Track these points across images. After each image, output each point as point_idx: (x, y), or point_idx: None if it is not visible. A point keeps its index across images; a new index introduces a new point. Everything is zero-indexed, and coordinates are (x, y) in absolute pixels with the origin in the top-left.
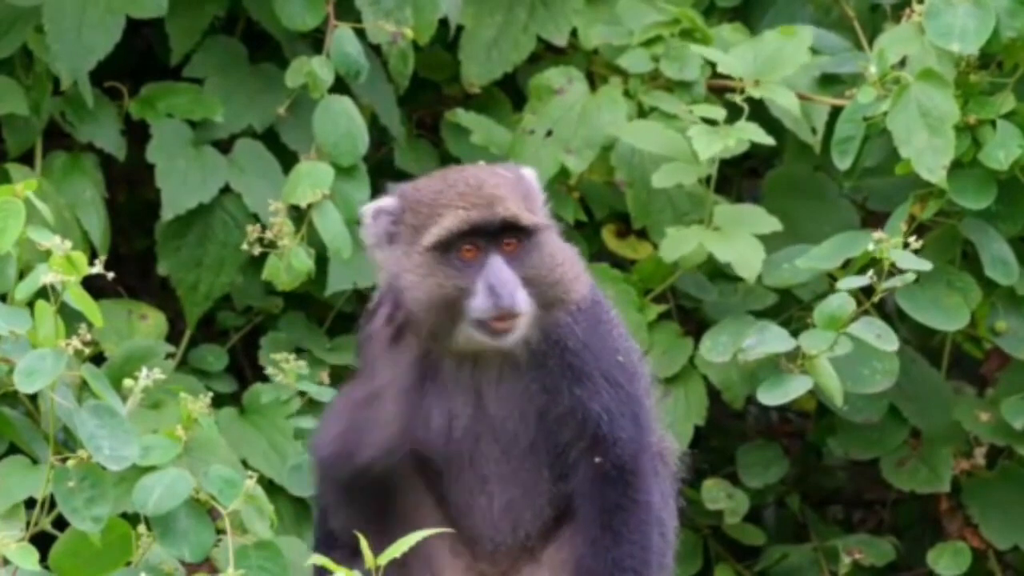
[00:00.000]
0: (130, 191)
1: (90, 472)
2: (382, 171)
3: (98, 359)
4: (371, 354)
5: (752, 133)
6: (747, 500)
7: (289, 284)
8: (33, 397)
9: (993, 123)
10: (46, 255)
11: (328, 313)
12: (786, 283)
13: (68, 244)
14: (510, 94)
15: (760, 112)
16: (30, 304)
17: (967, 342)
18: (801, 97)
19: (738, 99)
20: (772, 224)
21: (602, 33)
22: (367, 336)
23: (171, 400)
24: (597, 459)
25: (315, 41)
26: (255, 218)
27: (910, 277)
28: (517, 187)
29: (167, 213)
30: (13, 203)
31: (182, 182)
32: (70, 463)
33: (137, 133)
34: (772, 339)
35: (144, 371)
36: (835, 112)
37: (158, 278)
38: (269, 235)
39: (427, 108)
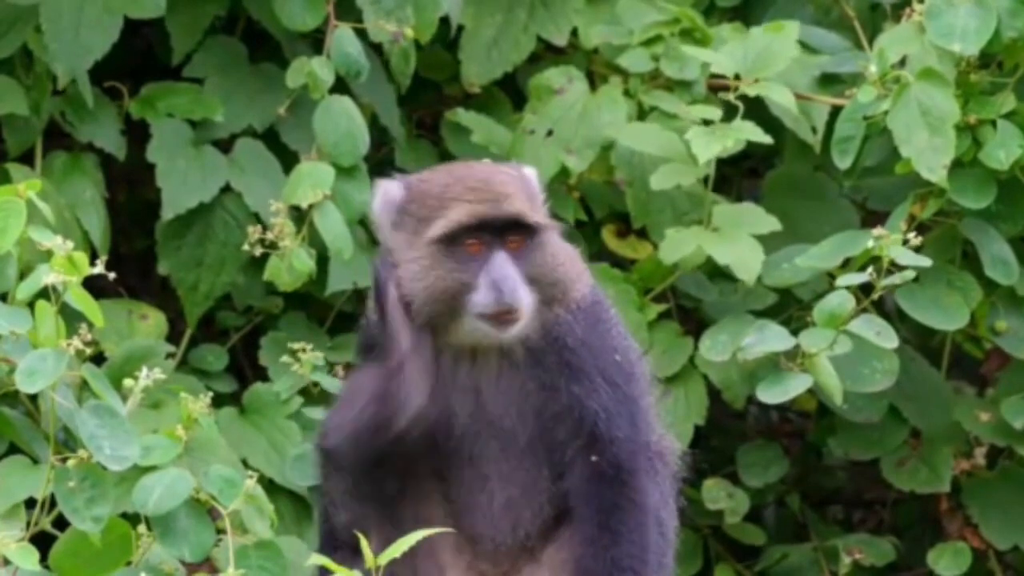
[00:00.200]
0: (130, 191)
1: (90, 472)
2: (382, 171)
3: (98, 359)
4: (392, 324)
5: (750, 132)
6: (747, 500)
7: (291, 284)
8: (33, 397)
9: (993, 123)
10: (46, 255)
11: (328, 313)
12: (786, 283)
13: (70, 244)
14: (510, 94)
15: (760, 112)
16: (31, 304)
17: (967, 342)
18: (801, 97)
19: (731, 97)
20: (771, 224)
21: (602, 33)
22: (383, 310)
23: (171, 400)
24: (594, 458)
25: (315, 41)
26: (256, 218)
27: (910, 274)
28: (523, 185)
29: (167, 213)
30: (14, 203)
31: (182, 182)
32: (70, 463)
33: (137, 133)
34: (772, 338)
35: (144, 371)
36: (835, 112)
37: (158, 278)
38: (270, 236)
39: (427, 108)
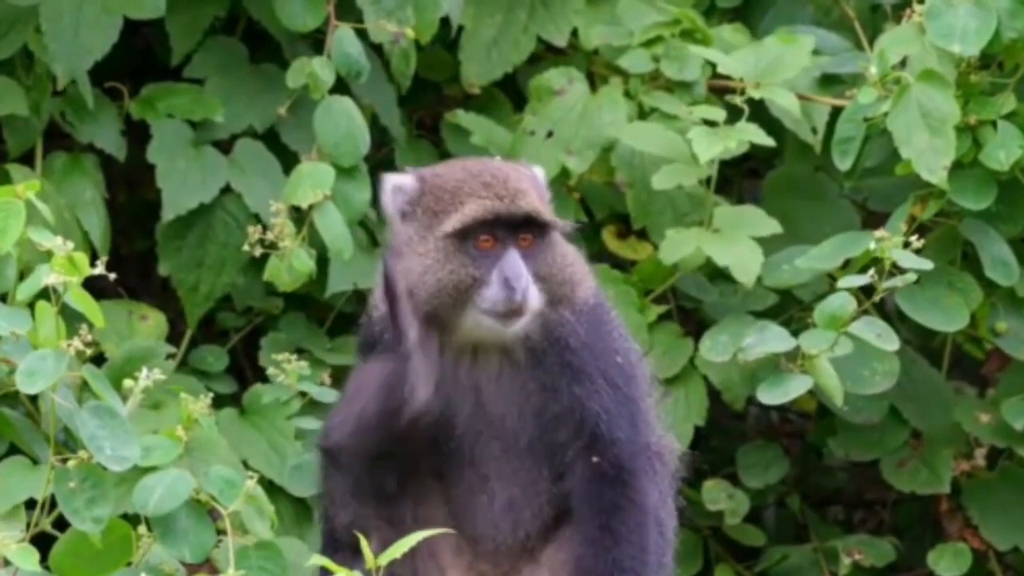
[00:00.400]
0: (130, 191)
1: (91, 473)
2: (382, 172)
3: (99, 360)
4: (400, 318)
5: (752, 134)
6: (747, 501)
7: (291, 285)
8: (34, 398)
9: (994, 124)
10: (46, 256)
11: (328, 314)
12: (786, 284)
13: (70, 245)
14: (510, 95)
15: (760, 113)
16: (31, 305)
17: (968, 343)
18: (801, 97)
19: (738, 100)
20: (772, 226)
21: (602, 33)
22: (392, 302)
23: (171, 401)
24: (594, 459)
25: (316, 41)
26: (256, 218)
27: (911, 276)
28: (535, 184)
29: (167, 213)
30: (14, 204)
31: (182, 182)
32: (71, 464)
33: (137, 133)
34: (772, 338)
35: (144, 372)
36: (835, 112)
37: (159, 279)
38: (270, 236)
39: (427, 108)
